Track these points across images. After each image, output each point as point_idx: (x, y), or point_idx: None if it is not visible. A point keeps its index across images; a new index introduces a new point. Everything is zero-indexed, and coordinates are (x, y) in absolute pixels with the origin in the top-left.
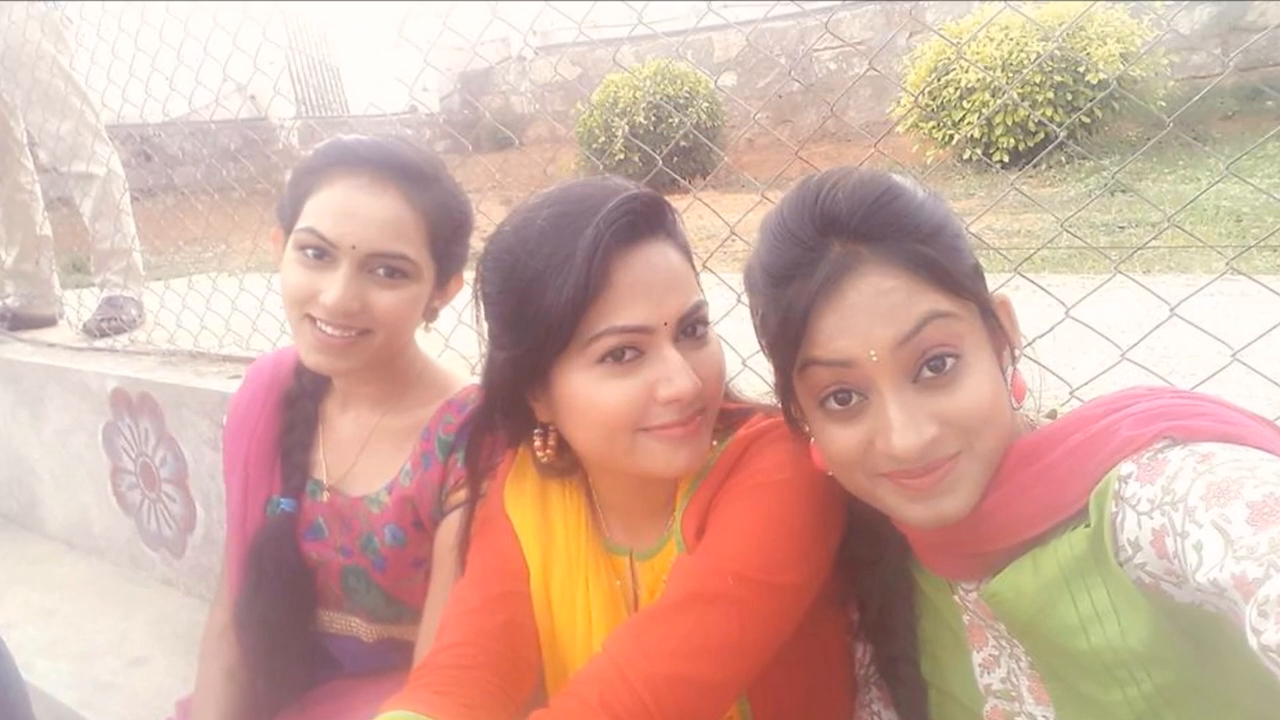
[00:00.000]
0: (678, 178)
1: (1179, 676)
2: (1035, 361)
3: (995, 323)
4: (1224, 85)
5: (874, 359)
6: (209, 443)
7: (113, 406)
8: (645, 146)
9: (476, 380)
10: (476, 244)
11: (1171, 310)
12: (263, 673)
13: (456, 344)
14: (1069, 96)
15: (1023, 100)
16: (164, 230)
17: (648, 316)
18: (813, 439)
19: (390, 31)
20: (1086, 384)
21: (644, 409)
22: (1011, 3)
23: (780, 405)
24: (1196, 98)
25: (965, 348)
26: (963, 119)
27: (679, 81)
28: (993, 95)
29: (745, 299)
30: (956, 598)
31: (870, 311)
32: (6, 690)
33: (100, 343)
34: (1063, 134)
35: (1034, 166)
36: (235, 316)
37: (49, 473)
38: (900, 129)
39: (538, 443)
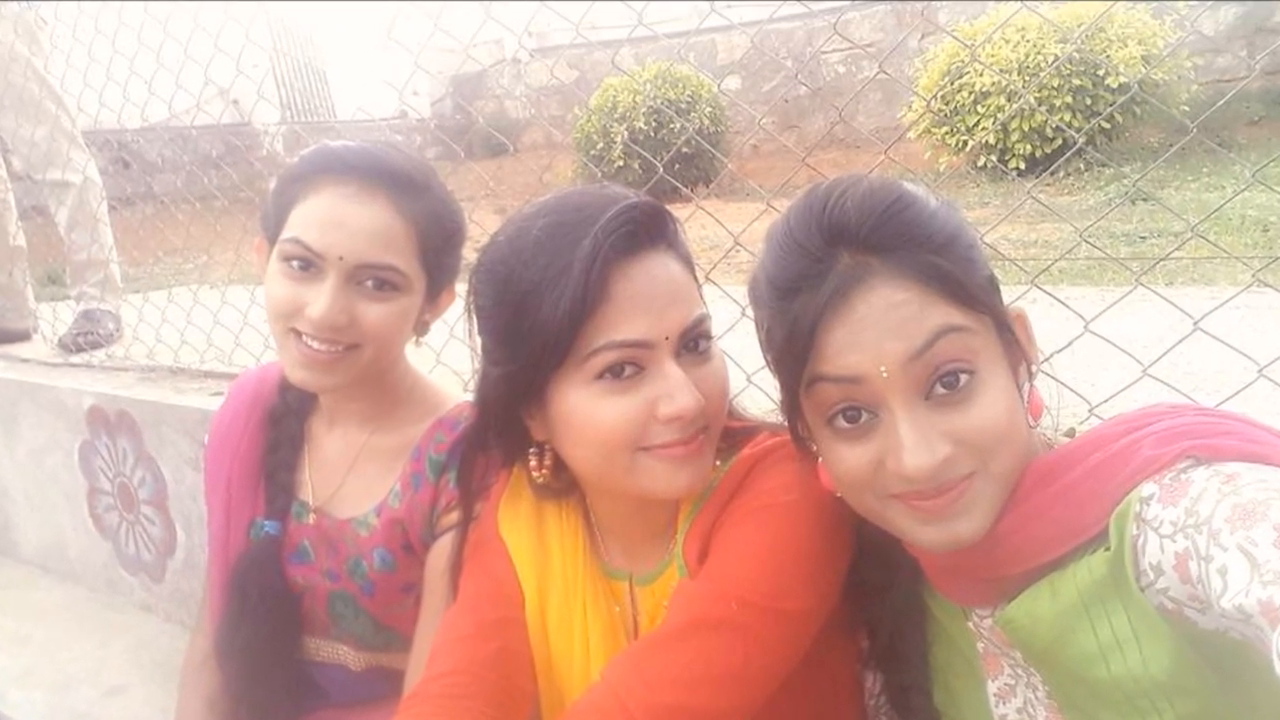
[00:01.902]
0: (679, 186)
1: (1202, 707)
2: (1053, 378)
3: (1011, 337)
4: (1250, 89)
5: (884, 375)
6: (190, 462)
7: (89, 425)
8: (645, 153)
9: (469, 397)
10: (469, 255)
11: (1195, 324)
12: (246, 703)
13: (448, 359)
14: (1088, 101)
15: (1040, 105)
16: (143, 240)
17: (648, 331)
18: (820, 459)
19: (379, 33)
20: (1106, 401)
21: (644, 427)
22: (1028, 3)
23: (786, 423)
24: (1221, 102)
25: (980, 363)
26: (977, 124)
27: (681, 85)
28: (1008, 99)
29: (750, 312)
30: (970, 624)
31: (880, 325)
32: None
33: (76, 358)
34: (1081, 140)
35: (1051, 174)
36: (217, 331)
37: (22, 494)
38: (912, 135)
39: (533, 462)
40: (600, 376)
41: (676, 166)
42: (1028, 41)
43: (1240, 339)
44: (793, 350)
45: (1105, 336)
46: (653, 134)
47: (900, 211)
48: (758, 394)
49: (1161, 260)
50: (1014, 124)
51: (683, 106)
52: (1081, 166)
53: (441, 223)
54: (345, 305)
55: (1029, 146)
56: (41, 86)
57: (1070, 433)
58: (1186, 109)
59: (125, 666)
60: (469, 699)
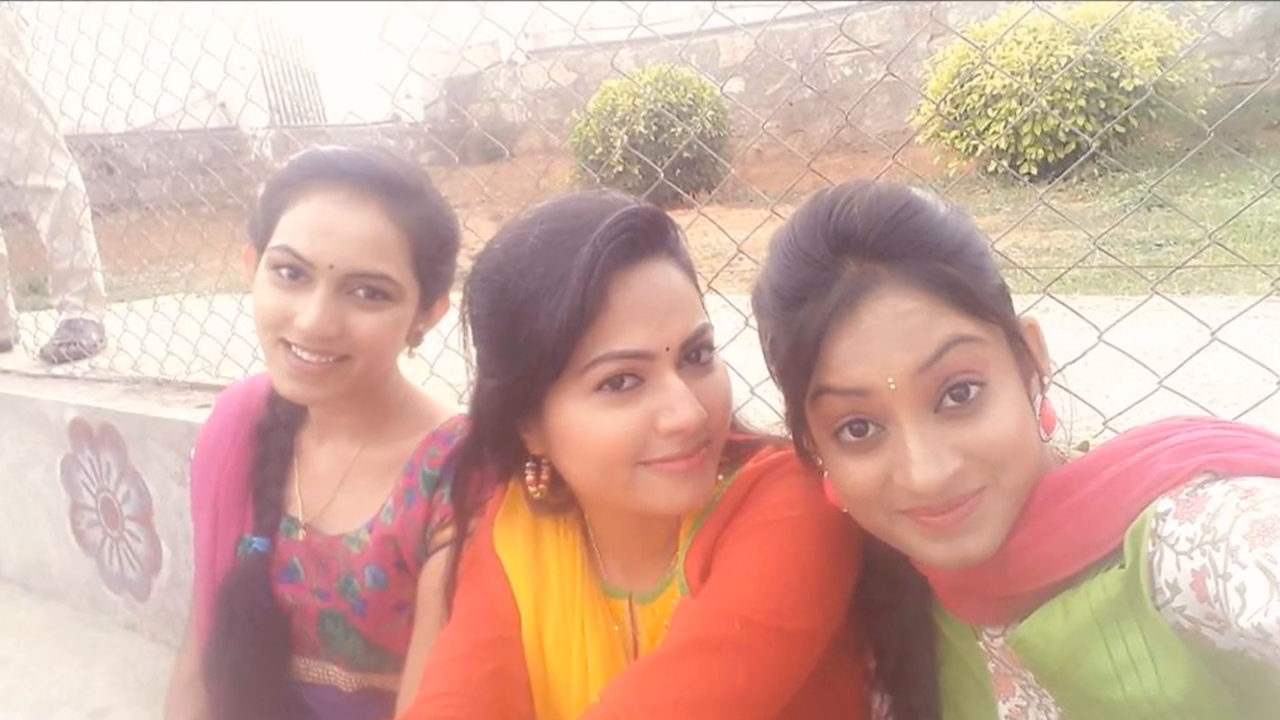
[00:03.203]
0: (681, 191)
1: None
2: (1066, 389)
3: (1022, 348)
4: (1269, 92)
5: (892, 387)
6: (175, 477)
7: (72, 438)
8: (646, 158)
9: (464, 410)
10: (464, 263)
11: (1213, 334)
12: None
13: (442, 371)
14: (1102, 104)
15: (1052, 108)
16: (127, 248)
17: (648, 341)
18: (826, 473)
19: (371, 34)
20: (1121, 414)
21: (644, 441)
22: (1040, 3)
23: (791, 437)
24: (1240, 105)
25: (990, 375)
26: (988, 128)
27: (682, 88)
28: (1020, 103)
29: (753, 322)
30: (981, 644)
31: (888, 336)
32: None
33: (58, 369)
34: (1095, 144)
35: (1064, 179)
36: (204, 341)
37: (3, 510)
38: (920, 139)
39: (530, 477)
40: (599, 388)
41: (678, 172)
42: (1040, 43)
43: (1259, 350)
44: (797, 361)
45: (1120, 347)
46: (653, 138)
47: (908, 218)
48: (761, 406)
49: (1178, 269)
50: (1026, 128)
51: (684, 110)
52: (1095, 171)
53: (435, 230)
54: (336, 315)
55: (1041, 151)
56: (22, 89)
57: (1084, 446)
58: (1204, 112)
59: (109, 688)
60: None
